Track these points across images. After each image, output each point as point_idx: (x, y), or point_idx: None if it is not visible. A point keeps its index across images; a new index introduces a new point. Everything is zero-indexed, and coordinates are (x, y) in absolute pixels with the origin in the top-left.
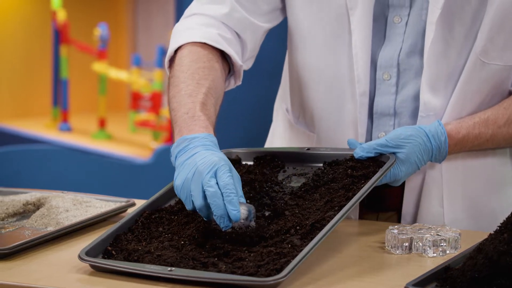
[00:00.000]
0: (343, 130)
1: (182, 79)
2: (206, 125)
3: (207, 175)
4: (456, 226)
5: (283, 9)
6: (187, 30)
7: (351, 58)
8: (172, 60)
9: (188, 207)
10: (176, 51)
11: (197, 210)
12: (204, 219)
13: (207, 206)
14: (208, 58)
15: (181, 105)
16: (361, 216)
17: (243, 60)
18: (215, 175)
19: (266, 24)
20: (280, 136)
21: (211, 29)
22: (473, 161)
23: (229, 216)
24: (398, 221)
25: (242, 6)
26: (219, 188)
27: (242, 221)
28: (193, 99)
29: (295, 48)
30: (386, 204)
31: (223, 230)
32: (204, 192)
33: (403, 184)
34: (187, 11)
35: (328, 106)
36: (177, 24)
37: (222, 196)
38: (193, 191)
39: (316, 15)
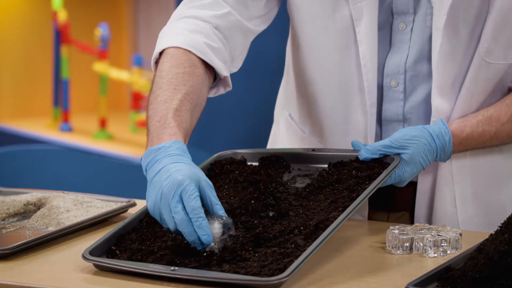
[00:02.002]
0: (351, 139)
1: (160, 85)
2: (174, 132)
3: (172, 200)
4: (469, 224)
5: (275, 8)
6: (173, 35)
7: (359, 68)
8: (157, 63)
9: (165, 226)
10: (161, 55)
11: (173, 233)
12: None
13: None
14: (190, 64)
15: (155, 112)
16: (372, 216)
17: (231, 65)
18: (181, 198)
19: (257, 27)
20: (283, 142)
21: (197, 36)
22: (480, 158)
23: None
24: (410, 221)
25: (234, 9)
26: (186, 213)
27: (218, 239)
28: (167, 106)
29: (302, 60)
30: (397, 204)
31: (200, 250)
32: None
33: (415, 184)
34: (175, 15)
35: (337, 117)
36: (164, 28)
37: (191, 221)
38: (164, 215)
39: (322, 29)
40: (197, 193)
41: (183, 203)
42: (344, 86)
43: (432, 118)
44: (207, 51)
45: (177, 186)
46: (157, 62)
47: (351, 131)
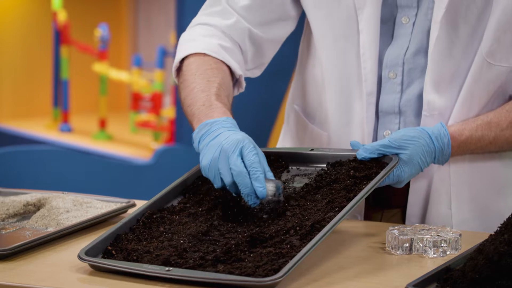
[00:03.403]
0: (352, 130)
1: (192, 79)
2: (224, 111)
3: (233, 154)
4: (463, 228)
5: (291, 20)
6: (190, 42)
7: (359, 58)
8: (179, 70)
9: (217, 185)
10: (182, 62)
11: (227, 187)
12: (234, 195)
13: (235, 183)
14: (215, 61)
15: (196, 100)
16: (367, 213)
17: (247, 69)
18: (241, 154)
19: (270, 35)
20: (292, 137)
21: (212, 39)
22: (479, 164)
23: (256, 194)
24: (403, 219)
25: (244, 18)
26: (245, 166)
27: (270, 197)
28: (207, 93)
29: (311, 49)
30: (391, 202)
31: (252, 206)
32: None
33: (408, 183)
34: (192, 21)
35: (339, 106)
36: (183, 34)
37: (249, 174)
38: (222, 169)
39: (326, 17)
40: (256, 151)
41: (242, 158)
42: (345, 75)
43: (424, 112)
44: (221, 51)
45: (237, 142)
46: (177, 69)
47: (351, 121)
